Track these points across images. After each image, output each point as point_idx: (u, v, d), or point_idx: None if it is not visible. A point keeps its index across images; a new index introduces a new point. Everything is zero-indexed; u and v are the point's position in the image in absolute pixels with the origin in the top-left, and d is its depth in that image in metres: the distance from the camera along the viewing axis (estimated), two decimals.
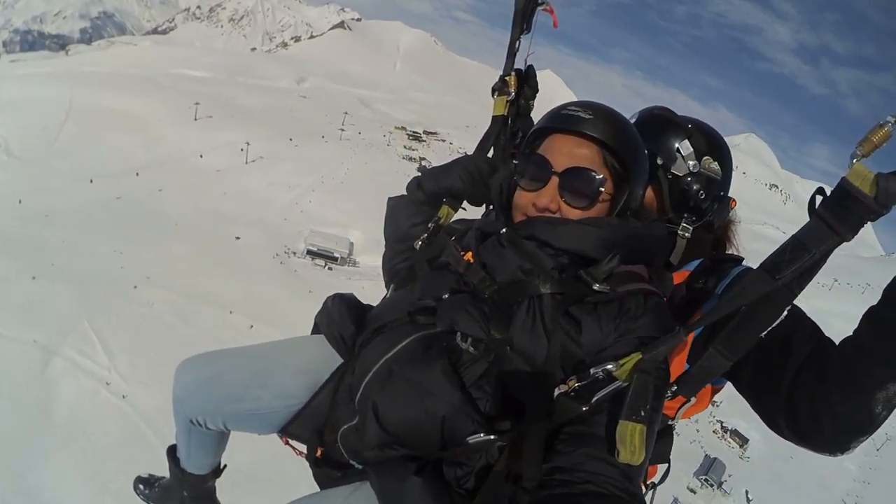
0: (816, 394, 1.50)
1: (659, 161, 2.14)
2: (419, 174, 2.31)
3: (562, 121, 1.79)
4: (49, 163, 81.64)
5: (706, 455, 63.44)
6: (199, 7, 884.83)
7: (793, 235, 1.39)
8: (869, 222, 1.30)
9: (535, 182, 1.80)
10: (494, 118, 2.25)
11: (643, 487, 2.00)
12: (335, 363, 2.00)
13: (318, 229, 75.83)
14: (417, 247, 2.18)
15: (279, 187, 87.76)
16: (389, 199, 2.38)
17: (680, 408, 1.85)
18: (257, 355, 2.17)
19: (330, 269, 69.12)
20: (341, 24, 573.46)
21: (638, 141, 1.83)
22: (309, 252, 71.44)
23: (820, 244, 1.33)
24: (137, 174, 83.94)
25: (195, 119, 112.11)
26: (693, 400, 1.75)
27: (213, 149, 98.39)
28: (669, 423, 2.02)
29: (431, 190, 2.24)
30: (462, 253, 1.83)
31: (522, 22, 2.16)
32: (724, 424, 71.65)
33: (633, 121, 2.08)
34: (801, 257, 1.35)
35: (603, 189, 1.74)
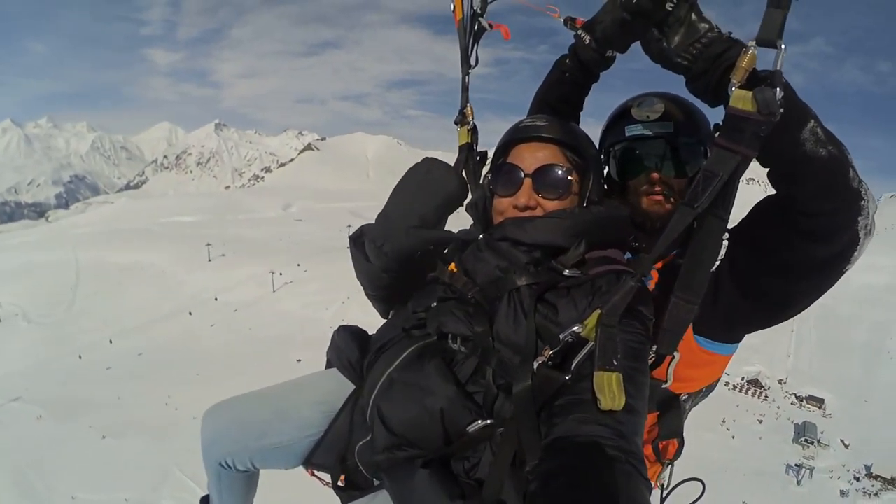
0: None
1: (702, 149, 2.21)
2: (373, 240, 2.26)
3: (521, 132, 2.01)
4: (72, 324, 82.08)
5: (795, 423, 70.40)
6: (165, 157, 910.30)
7: (702, 167, 1.53)
8: (763, 133, 1.42)
9: (510, 187, 1.97)
10: (461, 147, 2.36)
11: (660, 467, 2.27)
12: (348, 391, 2.15)
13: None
14: None
15: (316, 307, 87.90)
16: (355, 260, 2.25)
17: (668, 367, 1.91)
18: (276, 394, 2.32)
19: None
20: (309, 147, 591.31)
21: (587, 136, 2.06)
22: None
23: (724, 166, 1.47)
24: (191, 313, 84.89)
25: (209, 260, 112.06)
26: (677, 356, 1.85)
27: (237, 284, 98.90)
28: (664, 386, 2.02)
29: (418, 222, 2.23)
30: (447, 265, 1.99)
31: (468, 58, 2.29)
32: (797, 395, 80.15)
33: (659, 105, 2.21)
34: (711, 182, 1.48)
35: (571, 178, 1.93)
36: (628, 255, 2.01)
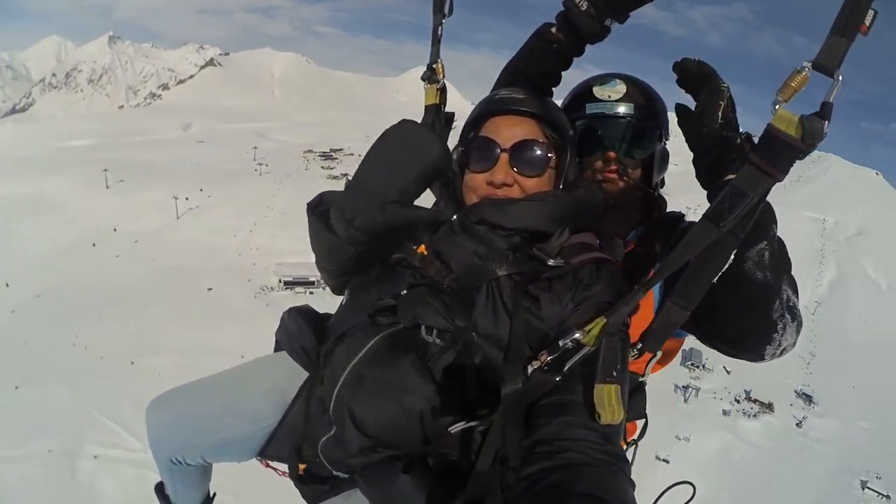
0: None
1: (658, 133, 2.26)
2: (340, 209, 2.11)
3: (497, 104, 1.90)
4: None
5: (682, 350, 77.95)
6: (53, 75, 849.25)
7: (730, 184, 1.45)
8: (798, 160, 1.38)
9: (485, 162, 1.85)
10: (427, 107, 2.17)
11: (624, 445, 2.19)
12: (301, 378, 2.02)
13: (282, 260, 76.08)
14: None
15: (222, 233, 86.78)
16: (311, 226, 1.93)
17: (648, 363, 1.95)
18: (222, 383, 2.19)
19: (311, 293, 68.72)
20: (211, 62, 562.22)
21: (563, 113, 1.98)
22: (286, 283, 72.38)
23: (756, 188, 1.40)
24: (94, 244, 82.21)
25: (107, 187, 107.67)
26: (659, 354, 1.87)
27: (139, 212, 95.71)
28: (640, 379, 2.10)
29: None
30: (415, 247, 1.83)
31: (443, 6, 2.06)
32: None
33: (621, 86, 2.24)
34: (741, 203, 1.41)
35: (551, 155, 1.84)
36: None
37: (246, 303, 63.01)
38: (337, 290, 2.06)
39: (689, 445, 55.63)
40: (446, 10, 2.06)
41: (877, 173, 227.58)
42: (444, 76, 2.18)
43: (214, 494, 2.67)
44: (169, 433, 2.17)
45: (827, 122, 1.32)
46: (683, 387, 66.60)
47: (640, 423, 2.36)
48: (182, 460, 2.17)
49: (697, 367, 72.77)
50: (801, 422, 66.37)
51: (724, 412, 65.66)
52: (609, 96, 2.22)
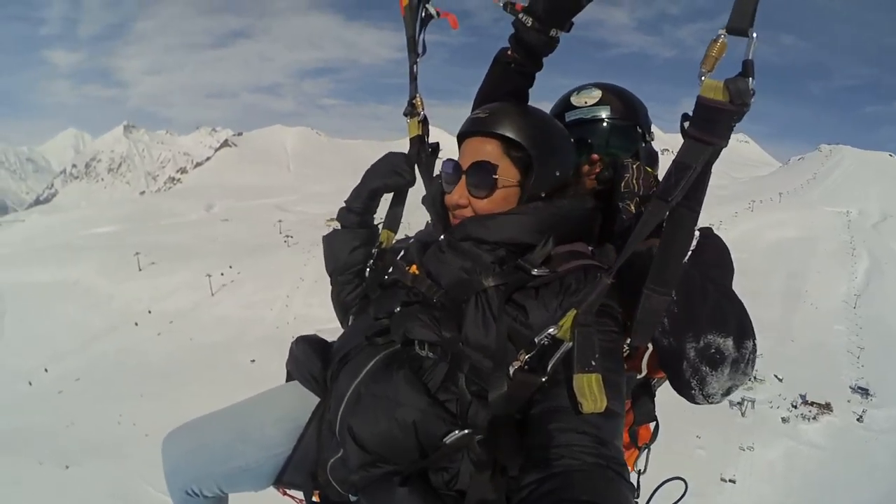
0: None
1: (639, 130, 2.36)
2: (343, 204, 2.37)
3: (467, 125, 1.93)
4: (4, 351, 78.55)
5: None
6: (74, 166, 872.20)
7: (673, 160, 1.44)
8: (735, 123, 1.37)
9: (450, 184, 1.92)
10: (412, 139, 2.31)
11: (636, 451, 2.25)
12: (312, 404, 2.06)
13: (321, 327, 74.27)
14: (368, 274, 2.26)
15: (258, 307, 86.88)
16: (324, 236, 2.39)
17: (643, 358, 1.91)
18: (236, 414, 2.22)
19: None
20: (226, 143, 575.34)
21: (542, 127, 1.91)
22: None
23: (697, 158, 1.40)
24: (137, 324, 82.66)
25: (139, 269, 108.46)
26: (650, 348, 1.83)
27: (172, 292, 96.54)
28: (639, 377, 2.05)
29: (359, 206, 2.27)
30: (407, 267, 1.93)
31: (416, 46, 2.23)
32: None
33: (596, 92, 2.37)
34: (685, 175, 1.40)
35: (497, 176, 1.82)
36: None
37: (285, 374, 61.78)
38: (344, 323, 2.28)
39: (753, 460, 52.68)
40: (420, 51, 2.23)
41: (890, 155, 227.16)
42: (423, 108, 2.31)
43: None
44: (184, 464, 2.18)
45: (751, 78, 1.32)
46: (738, 402, 63.60)
47: (651, 426, 2.31)
48: (199, 492, 2.18)
49: (750, 379, 71.13)
50: (861, 416, 63.25)
51: (784, 420, 62.81)
52: (585, 102, 2.35)
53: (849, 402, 67.22)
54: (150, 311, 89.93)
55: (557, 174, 1.87)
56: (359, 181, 2.29)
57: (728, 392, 1.75)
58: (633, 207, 2.07)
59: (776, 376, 70.94)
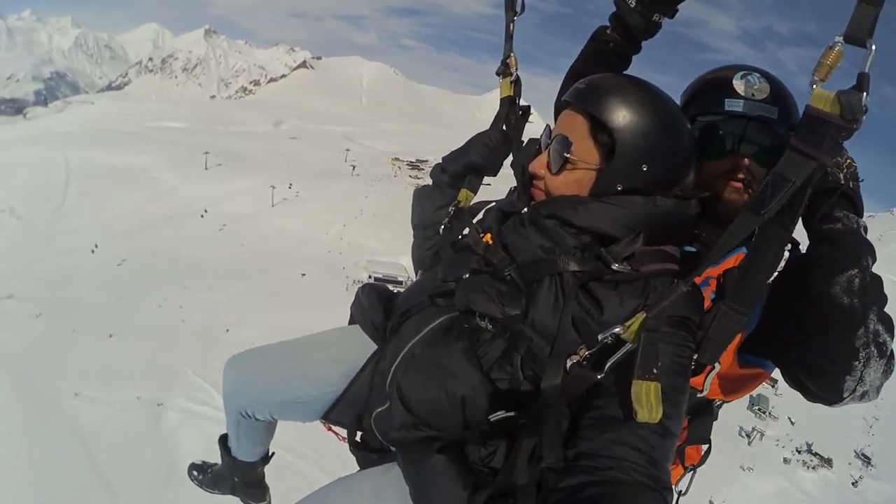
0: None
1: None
2: (440, 161, 2.39)
3: (569, 93, 1.82)
4: (62, 223, 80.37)
5: (750, 395, 79.97)
6: (150, 59, 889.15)
7: (772, 170, 1.38)
8: (843, 140, 1.31)
9: (540, 151, 1.88)
10: (502, 100, 2.28)
11: (682, 470, 2.19)
12: (370, 350, 2.10)
13: (373, 258, 76.40)
14: (441, 231, 2.25)
15: (315, 226, 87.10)
16: (415, 189, 2.48)
17: (706, 377, 1.78)
18: (297, 348, 2.33)
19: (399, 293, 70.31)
20: (304, 64, 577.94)
21: (643, 112, 1.67)
22: (375, 279, 71.97)
23: (798, 172, 1.33)
24: (203, 215, 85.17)
25: (206, 168, 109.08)
26: (717, 366, 1.73)
27: (233, 196, 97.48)
28: (699, 395, 1.89)
29: (454, 170, 2.31)
30: (482, 234, 1.87)
31: (514, 3, 2.18)
32: None
33: (765, 85, 2.00)
34: (783, 188, 1.34)
35: (569, 155, 1.70)
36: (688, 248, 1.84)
37: (336, 293, 61.59)
38: (419, 268, 2.33)
39: (747, 487, 55.27)
40: (518, 8, 2.16)
41: None
42: (517, 69, 2.23)
43: (273, 454, 2.84)
44: (243, 388, 2.32)
45: (865, 93, 1.26)
46: (748, 431, 67.07)
47: (703, 448, 2.21)
48: (252, 415, 2.32)
49: (764, 412, 73.12)
50: (857, 481, 65.71)
51: (785, 460, 65.88)
52: (753, 94, 1.96)
53: (849, 464, 69.71)
54: (206, 211, 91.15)
55: (645, 168, 1.66)
56: (463, 143, 2.32)
57: (877, 389, 1.61)
58: None
59: (790, 418, 73.28)
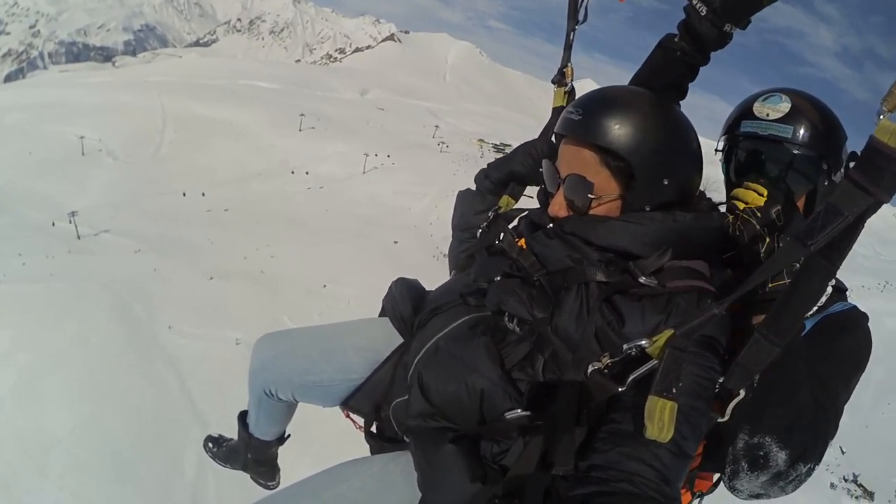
0: None
1: (824, 166, 1.99)
2: (485, 167, 2.42)
3: (561, 126, 1.77)
4: (159, 167, 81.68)
5: None
6: (239, 20, 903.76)
7: (826, 201, 1.27)
8: None
9: (551, 187, 1.85)
10: (554, 109, 2.29)
11: (690, 496, 2.14)
12: (396, 342, 2.14)
13: None
14: (479, 235, 2.24)
15: (407, 196, 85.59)
16: (459, 191, 2.50)
17: (731, 403, 1.69)
18: (326, 333, 2.38)
19: None
20: (391, 37, 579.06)
21: (647, 128, 1.66)
22: None
23: (853, 206, 1.22)
24: (302, 173, 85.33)
25: (300, 130, 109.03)
26: (741, 394, 1.64)
27: (326, 158, 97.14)
28: (720, 420, 1.77)
29: (497, 177, 2.36)
30: (517, 239, 1.87)
31: (577, 13, 2.18)
32: None
33: (785, 104, 2.00)
34: (834, 221, 1.23)
35: (593, 196, 1.69)
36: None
37: (425, 262, 60.76)
38: (453, 268, 2.34)
39: (796, 499, 52.58)
40: (580, 17, 2.18)
41: None
42: (572, 79, 2.30)
43: (289, 435, 2.91)
44: (269, 366, 2.36)
45: None
46: None
47: (715, 478, 2.17)
48: (274, 393, 2.38)
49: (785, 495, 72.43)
50: None
51: (832, 485, 62.70)
52: (767, 114, 2.01)
53: (889, 502, 64.51)
54: (307, 172, 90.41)
55: (666, 182, 1.67)
56: (512, 150, 2.38)
57: (756, 497, 1.67)
58: (766, 238, 1.85)
59: (841, 447, 68.08)
